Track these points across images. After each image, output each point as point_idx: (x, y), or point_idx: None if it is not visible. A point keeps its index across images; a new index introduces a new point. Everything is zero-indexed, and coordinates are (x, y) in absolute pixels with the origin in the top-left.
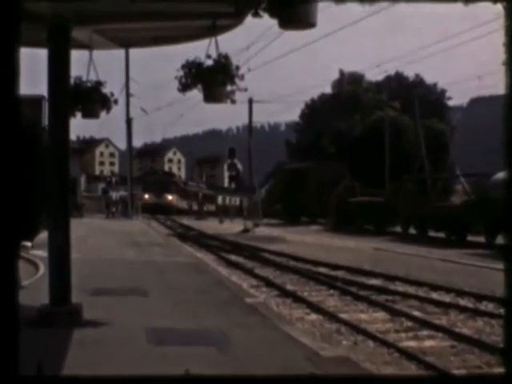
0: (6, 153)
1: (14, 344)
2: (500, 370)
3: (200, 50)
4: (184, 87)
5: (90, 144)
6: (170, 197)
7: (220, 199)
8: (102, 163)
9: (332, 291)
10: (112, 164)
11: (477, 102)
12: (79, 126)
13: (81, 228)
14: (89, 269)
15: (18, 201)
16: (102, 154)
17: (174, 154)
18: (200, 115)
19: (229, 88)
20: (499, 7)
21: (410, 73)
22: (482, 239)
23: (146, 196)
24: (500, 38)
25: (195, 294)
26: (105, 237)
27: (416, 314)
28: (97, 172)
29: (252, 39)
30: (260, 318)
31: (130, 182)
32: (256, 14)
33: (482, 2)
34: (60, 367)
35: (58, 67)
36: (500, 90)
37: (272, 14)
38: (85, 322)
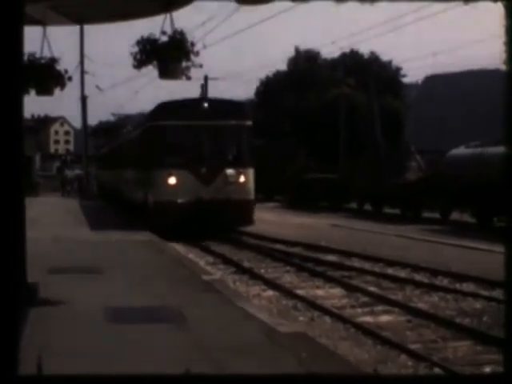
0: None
1: (14, 344)
2: (454, 344)
3: (157, 26)
4: (139, 63)
5: (44, 122)
6: (241, 177)
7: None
8: (57, 142)
9: (289, 268)
10: (67, 142)
11: (431, 79)
12: (34, 104)
13: (36, 207)
14: (45, 248)
15: None
16: (56, 132)
17: None
18: (155, 93)
19: (184, 64)
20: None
21: (365, 50)
22: (436, 215)
23: (173, 181)
24: (457, 18)
25: (152, 271)
26: (61, 215)
27: (372, 289)
28: (52, 150)
29: (207, 16)
30: (217, 295)
31: (85, 161)
32: None
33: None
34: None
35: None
36: (454, 67)
37: None
38: (41, 301)
